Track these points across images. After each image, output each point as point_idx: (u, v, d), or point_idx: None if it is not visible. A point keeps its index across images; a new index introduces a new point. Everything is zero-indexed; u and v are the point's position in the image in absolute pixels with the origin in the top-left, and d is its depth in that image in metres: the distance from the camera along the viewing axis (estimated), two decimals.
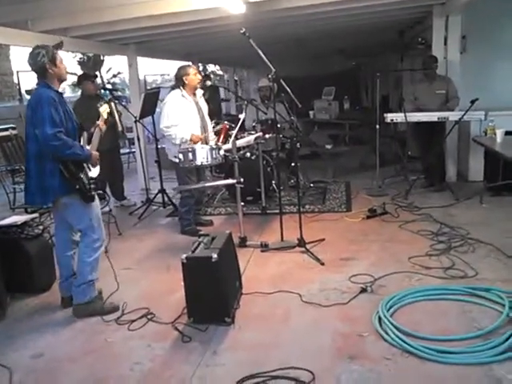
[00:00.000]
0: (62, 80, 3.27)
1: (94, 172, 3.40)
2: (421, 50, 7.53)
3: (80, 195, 3.21)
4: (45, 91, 3.11)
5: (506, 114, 5.85)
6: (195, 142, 4.61)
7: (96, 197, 3.36)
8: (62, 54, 3.27)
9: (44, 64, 3.11)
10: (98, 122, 3.50)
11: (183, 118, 4.71)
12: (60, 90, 3.27)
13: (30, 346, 3.04)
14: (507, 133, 5.32)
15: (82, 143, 3.34)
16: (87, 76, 6.23)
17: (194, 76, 4.78)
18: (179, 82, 4.79)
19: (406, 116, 5.69)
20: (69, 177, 3.14)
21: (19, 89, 12.90)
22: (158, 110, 6.61)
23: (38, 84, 3.22)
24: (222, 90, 13.81)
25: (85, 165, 3.30)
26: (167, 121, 4.68)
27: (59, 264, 3.57)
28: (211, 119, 5.17)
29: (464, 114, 5.39)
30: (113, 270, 3.48)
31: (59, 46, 3.19)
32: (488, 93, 6.00)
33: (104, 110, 3.61)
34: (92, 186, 3.30)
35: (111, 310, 3.44)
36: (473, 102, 5.27)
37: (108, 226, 4.21)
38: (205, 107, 5.04)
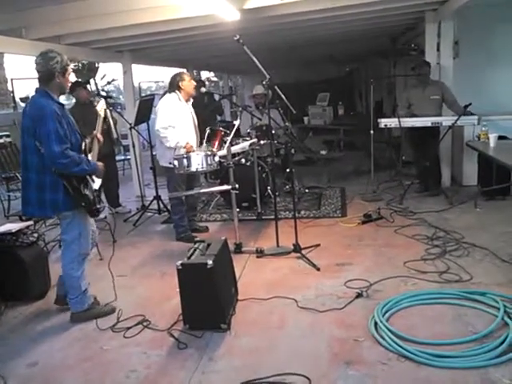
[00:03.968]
0: (62, 92, 3.22)
1: (97, 183, 3.33)
2: (414, 55, 7.58)
3: (86, 211, 3.21)
4: (47, 103, 3.00)
5: (498, 119, 5.90)
6: (188, 151, 4.59)
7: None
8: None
9: (55, 70, 3.00)
10: (94, 132, 3.43)
11: (180, 122, 4.68)
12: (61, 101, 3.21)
13: (25, 355, 3.02)
14: (500, 137, 5.35)
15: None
16: (80, 83, 6.22)
17: (189, 82, 4.79)
18: (174, 87, 4.78)
19: (399, 121, 5.72)
20: (73, 193, 3.08)
21: (13, 96, 12.87)
22: (152, 116, 6.63)
23: (36, 91, 3.09)
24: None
25: (88, 178, 3.23)
26: (164, 121, 4.59)
27: None
28: (203, 127, 5.14)
29: (457, 119, 5.43)
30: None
31: (73, 60, 3.15)
32: (481, 98, 6.03)
33: (101, 107, 3.58)
34: (97, 198, 3.27)
35: (109, 311, 3.44)
36: (466, 106, 5.32)
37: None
38: (194, 116, 5.02)
